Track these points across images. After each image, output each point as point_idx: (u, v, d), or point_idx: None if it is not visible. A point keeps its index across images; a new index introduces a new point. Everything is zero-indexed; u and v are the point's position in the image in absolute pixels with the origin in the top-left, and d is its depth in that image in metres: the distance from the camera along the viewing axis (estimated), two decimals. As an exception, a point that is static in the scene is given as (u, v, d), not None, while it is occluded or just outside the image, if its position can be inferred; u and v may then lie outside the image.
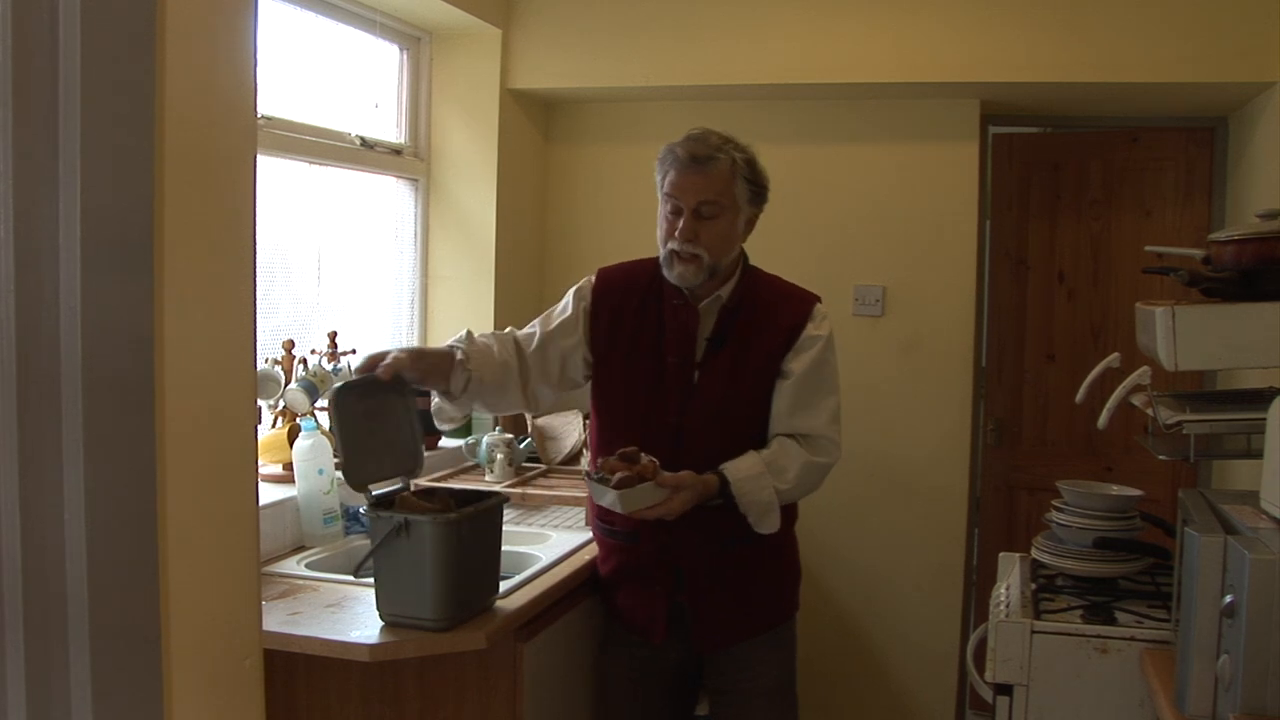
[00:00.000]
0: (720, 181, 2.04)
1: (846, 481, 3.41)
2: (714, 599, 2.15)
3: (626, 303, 2.16)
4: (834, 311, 3.34)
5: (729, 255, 2.11)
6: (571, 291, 2.20)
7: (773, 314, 2.11)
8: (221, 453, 1.23)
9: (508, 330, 2.20)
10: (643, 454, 1.96)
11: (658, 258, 2.15)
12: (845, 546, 3.45)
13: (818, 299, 2.16)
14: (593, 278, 2.22)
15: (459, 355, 2.08)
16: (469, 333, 2.15)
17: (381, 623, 1.92)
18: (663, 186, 2.08)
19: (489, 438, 3.05)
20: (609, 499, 1.93)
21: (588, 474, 1.97)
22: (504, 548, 2.08)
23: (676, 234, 2.05)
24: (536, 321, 2.20)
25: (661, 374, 2.11)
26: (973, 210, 3.30)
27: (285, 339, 2.71)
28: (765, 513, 2.01)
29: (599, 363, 2.17)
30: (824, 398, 2.07)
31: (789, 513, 2.21)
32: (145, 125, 1.08)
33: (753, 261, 2.21)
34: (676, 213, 2.06)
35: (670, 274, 2.10)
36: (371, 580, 1.96)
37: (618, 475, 1.91)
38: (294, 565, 2.31)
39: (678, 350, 2.11)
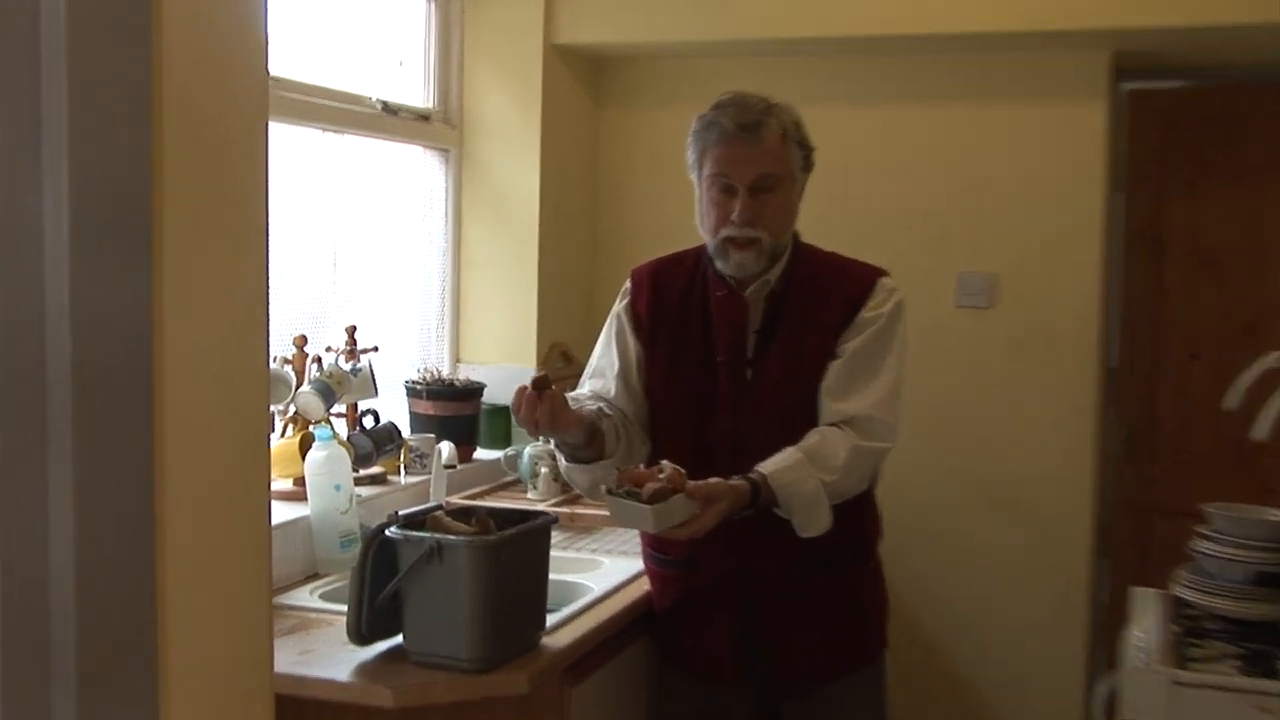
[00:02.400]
0: (774, 150, 2.05)
1: (943, 500, 3.38)
2: (792, 634, 2.16)
3: (668, 301, 2.19)
4: (934, 303, 3.36)
5: (788, 233, 2.14)
6: (611, 315, 2.27)
7: (828, 294, 2.13)
8: (230, 466, 1.23)
9: (571, 394, 2.24)
10: (666, 463, 1.97)
11: (697, 249, 2.18)
12: (942, 577, 3.42)
13: (884, 272, 2.16)
14: (627, 283, 2.27)
15: (598, 406, 2.14)
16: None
17: (409, 663, 1.92)
18: (703, 166, 2.10)
19: (531, 449, 3.08)
20: (637, 517, 1.93)
21: (608, 490, 1.97)
22: (550, 576, 2.09)
23: (734, 218, 2.06)
24: (591, 371, 2.26)
25: (712, 376, 2.14)
26: (1100, 182, 3.23)
27: (297, 334, 2.73)
28: (812, 508, 2.00)
29: (646, 369, 2.23)
30: (877, 376, 2.08)
31: (872, 531, 2.23)
32: (142, 87, 1.05)
33: (831, 247, 2.23)
34: (728, 192, 2.07)
35: (726, 264, 2.12)
36: (398, 614, 1.97)
37: (650, 487, 1.92)
38: (306, 596, 2.33)
39: (728, 347, 2.13)
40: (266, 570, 1.30)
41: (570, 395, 2.22)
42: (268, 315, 1.27)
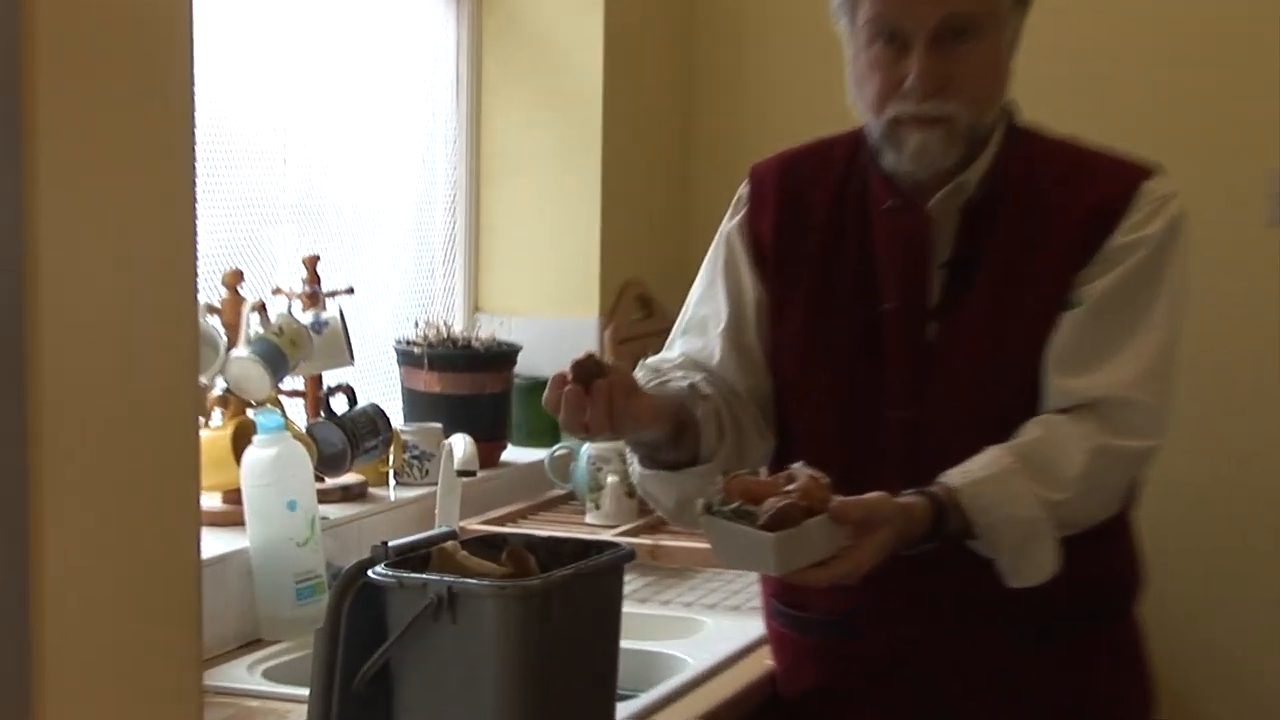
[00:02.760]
0: None
1: (1232, 522, 3.41)
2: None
3: (806, 215, 2.29)
4: (1235, 217, 3.31)
5: (994, 106, 2.20)
6: (716, 239, 2.37)
7: (1061, 206, 2.19)
8: (138, 470, 1.29)
9: (653, 359, 2.37)
10: (800, 467, 2.03)
11: (851, 135, 2.26)
12: (1224, 632, 3.44)
13: (1150, 171, 2.21)
14: (744, 188, 2.36)
15: (690, 383, 2.24)
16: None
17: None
18: (856, 8, 2.17)
19: (592, 448, 3.15)
20: (752, 550, 1.99)
21: (707, 508, 2.02)
22: (623, 643, 2.14)
23: (908, 84, 2.11)
24: (683, 326, 2.38)
25: (875, 335, 2.22)
26: None
27: (228, 269, 2.78)
28: (1027, 542, 2.04)
29: (769, 320, 2.34)
30: (1136, 337, 2.13)
31: (1127, 577, 2.27)
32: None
33: (1067, 131, 2.29)
34: (898, 44, 2.13)
35: (898, 157, 2.17)
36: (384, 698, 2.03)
37: (772, 504, 1.97)
38: (243, 673, 2.39)
39: (901, 289, 2.21)
40: (195, 631, 1.35)
41: (647, 365, 2.30)
42: (194, 241, 1.34)
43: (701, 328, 2.32)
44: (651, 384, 2.20)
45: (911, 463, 2.12)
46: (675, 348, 2.34)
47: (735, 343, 2.28)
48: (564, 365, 2.06)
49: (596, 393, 2.00)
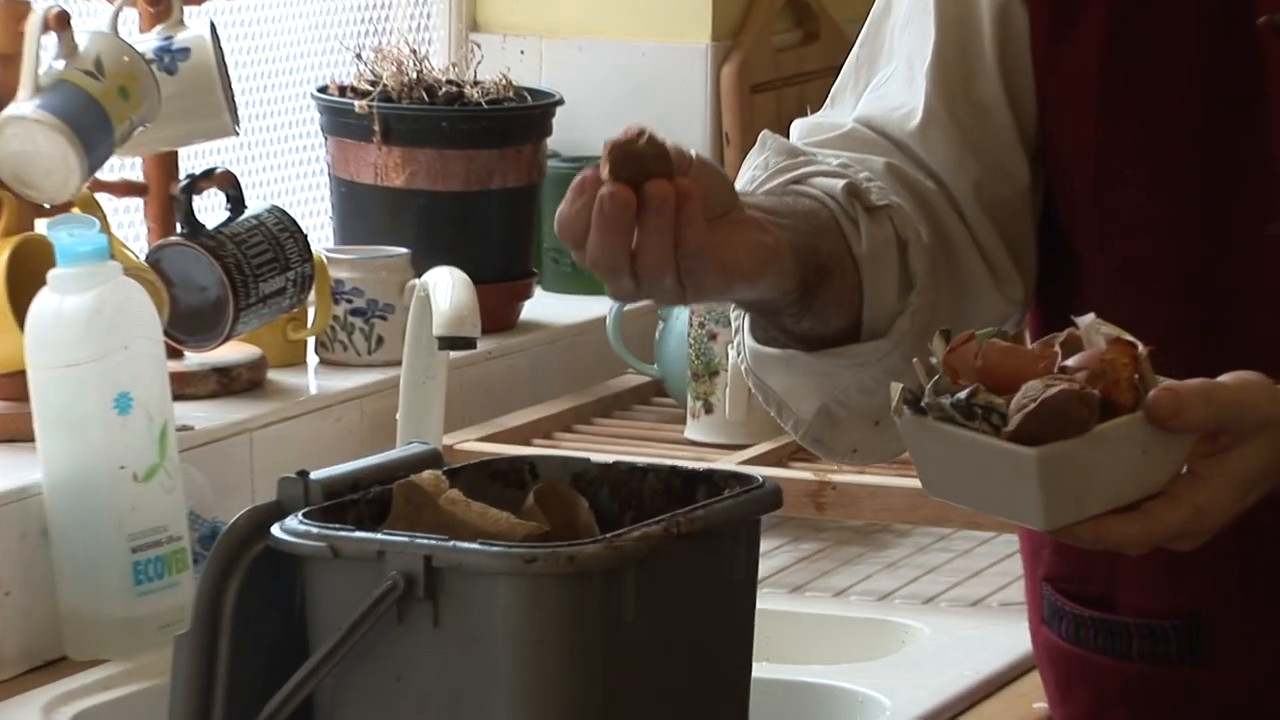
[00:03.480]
0: None
1: None
2: None
3: None
4: None
5: None
6: None
7: None
8: None
9: (803, 125, 2.31)
10: (1089, 322, 1.95)
11: None
12: None
13: None
14: None
15: (845, 188, 2.18)
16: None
17: None
18: None
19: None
20: (990, 483, 1.93)
21: (912, 399, 1.93)
22: (760, 668, 2.10)
23: None
24: (859, 66, 2.35)
25: (1247, 71, 2.15)
26: None
27: None
28: None
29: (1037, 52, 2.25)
30: None
31: None
32: None
33: None
34: None
35: None
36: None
37: (1032, 392, 1.88)
38: (36, 714, 2.50)
39: None
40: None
41: (781, 143, 2.17)
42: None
43: (898, 70, 2.26)
44: (773, 183, 2.13)
45: None
46: (843, 105, 2.28)
47: (960, 96, 2.21)
48: (574, 184, 1.89)
49: (653, 206, 1.89)
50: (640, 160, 1.89)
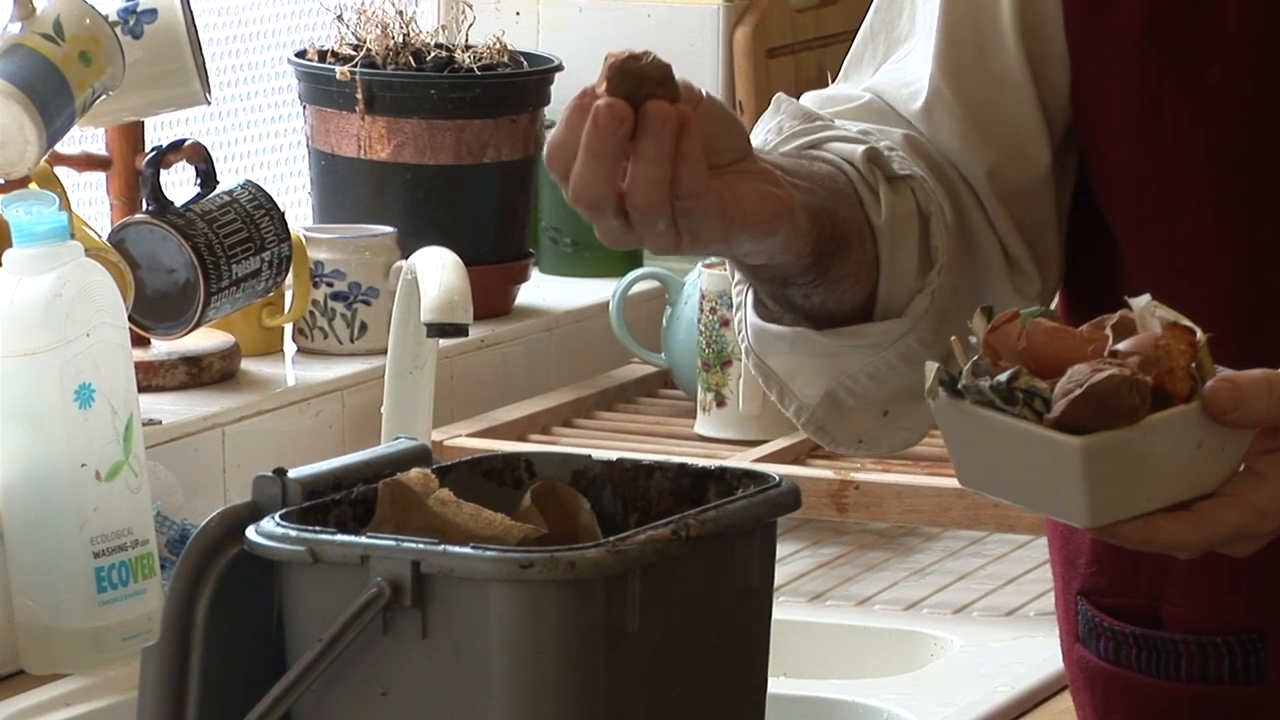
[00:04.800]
0: None
1: None
2: None
3: None
4: None
5: None
6: None
7: None
8: None
9: (813, 97, 2.37)
10: (1143, 303, 1.99)
11: None
12: None
13: None
14: None
15: (864, 153, 2.25)
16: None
17: None
18: None
19: (709, 280, 3.34)
20: (1030, 473, 1.98)
21: (948, 380, 1.97)
22: (776, 683, 2.17)
23: None
24: (874, 33, 2.41)
25: None
26: None
27: None
28: None
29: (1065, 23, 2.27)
30: None
31: None
32: None
33: None
34: None
35: None
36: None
37: (1078, 378, 1.93)
38: None
39: None
40: None
41: (794, 106, 2.22)
42: None
43: (919, 44, 2.29)
44: (788, 147, 2.15)
45: None
46: (857, 77, 2.32)
47: (973, 71, 2.25)
48: (568, 110, 1.92)
49: (651, 127, 1.89)
50: (641, 79, 1.91)
